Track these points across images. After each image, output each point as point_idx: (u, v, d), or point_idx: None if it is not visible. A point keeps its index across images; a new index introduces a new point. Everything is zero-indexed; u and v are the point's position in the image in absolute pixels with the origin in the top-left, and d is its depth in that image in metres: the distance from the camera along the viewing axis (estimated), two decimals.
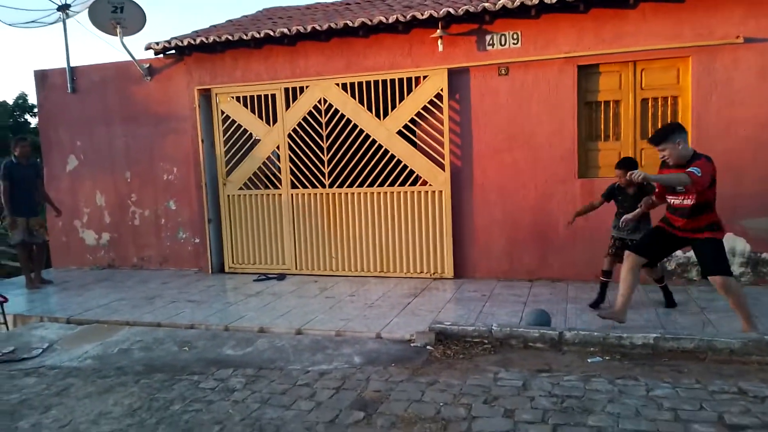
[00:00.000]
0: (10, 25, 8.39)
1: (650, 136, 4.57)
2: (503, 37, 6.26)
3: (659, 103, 6.11)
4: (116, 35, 7.54)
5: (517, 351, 4.55)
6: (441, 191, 6.64)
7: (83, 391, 4.13)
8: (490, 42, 6.29)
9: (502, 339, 4.67)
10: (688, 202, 4.35)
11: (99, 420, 3.63)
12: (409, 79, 6.67)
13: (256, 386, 4.03)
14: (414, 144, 6.81)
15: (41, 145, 8.60)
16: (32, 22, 8.39)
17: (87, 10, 7.55)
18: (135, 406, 3.80)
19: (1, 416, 3.79)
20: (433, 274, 6.79)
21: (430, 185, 6.69)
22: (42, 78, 8.43)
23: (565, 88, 6.15)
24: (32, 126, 19.92)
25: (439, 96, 6.53)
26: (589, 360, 4.26)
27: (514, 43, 6.22)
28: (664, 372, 3.98)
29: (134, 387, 4.14)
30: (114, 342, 5.11)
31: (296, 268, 7.36)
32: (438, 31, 6.19)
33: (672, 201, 4.51)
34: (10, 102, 20.57)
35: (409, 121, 6.74)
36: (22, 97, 20.81)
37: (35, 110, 19.92)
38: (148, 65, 7.80)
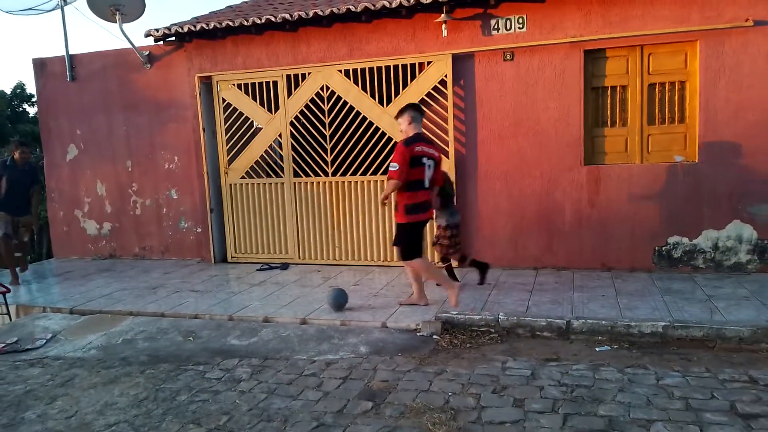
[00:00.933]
0: (7, 12, 8.31)
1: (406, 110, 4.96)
2: (508, 22, 6.16)
3: (666, 88, 6.02)
4: (115, 22, 7.43)
5: (525, 340, 4.52)
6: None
7: (88, 381, 4.11)
8: (495, 26, 6.19)
9: (509, 328, 4.64)
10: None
11: (105, 410, 3.61)
12: (412, 65, 6.58)
13: (262, 376, 4.01)
14: None
15: (41, 134, 8.53)
16: (30, 9, 8.32)
17: None
18: (141, 397, 3.78)
19: (7, 407, 3.76)
20: (438, 263, 6.73)
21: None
22: (41, 66, 8.33)
23: (572, 73, 6.06)
24: (31, 116, 19.76)
25: (443, 82, 6.44)
26: (597, 349, 4.24)
27: (519, 28, 6.12)
28: (674, 360, 3.96)
29: (140, 377, 4.11)
30: (118, 332, 5.08)
31: (299, 258, 7.32)
32: (442, 15, 6.09)
33: None
34: (8, 92, 20.38)
35: None
36: (20, 87, 20.61)
37: (34, 99, 19.77)
38: (147, 53, 7.70)
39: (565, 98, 6.11)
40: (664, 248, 6.02)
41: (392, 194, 4.96)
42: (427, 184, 4.88)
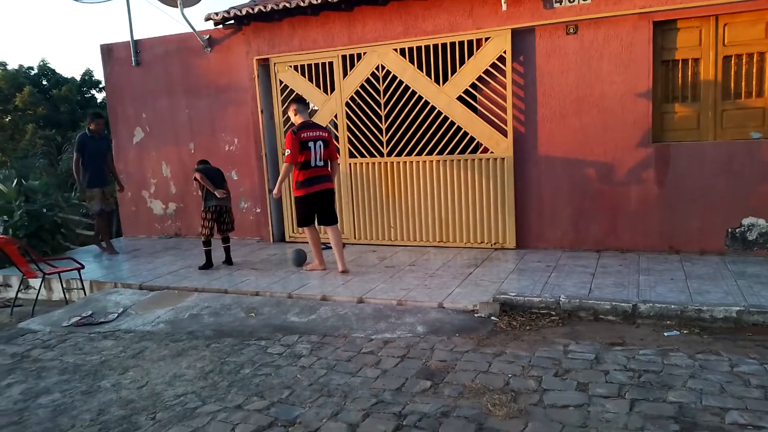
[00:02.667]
0: (76, 1, 8.62)
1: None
2: None
3: (743, 61, 5.64)
4: (177, 7, 7.61)
5: (587, 323, 4.40)
6: (503, 158, 6.43)
7: (157, 354, 4.30)
8: None
9: (570, 311, 4.52)
10: None
11: (174, 382, 3.77)
12: (470, 42, 6.43)
13: (321, 352, 4.08)
14: (475, 110, 6.60)
15: (108, 118, 8.90)
16: None
17: None
18: (207, 369, 3.92)
19: (85, 375, 3.99)
20: (494, 244, 6.64)
21: (492, 152, 6.50)
22: (108, 52, 8.66)
23: (640, 47, 5.77)
24: (99, 101, 20.69)
25: (501, 59, 6.27)
26: (665, 334, 4.07)
27: None
28: (749, 347, 3.76)
29: (205, 351, 4.27)
30: (184, 307, 5.28)
31: (355, 238, 7.37)
32: None
33: None
34: (78, 78, 21.39)
35: (470, 86, 6.53)
36: (88, 73, 21.60)
37: (101, 85, 20.70)
38: (208, 36, 7.86)
39: (633, 72, 5.82)
40: (737, 230, 5.70)
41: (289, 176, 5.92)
42: (314, 162, 5.70)
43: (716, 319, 4.15)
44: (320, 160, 5.75)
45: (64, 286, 6.33)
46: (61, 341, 4.75)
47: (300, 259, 6.36)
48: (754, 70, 5.61)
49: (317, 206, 5.89)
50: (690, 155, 5.77)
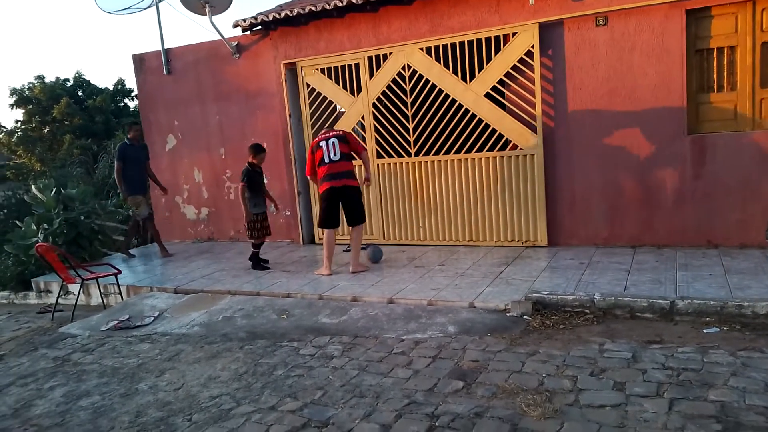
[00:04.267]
0: (109, 12, 8.85)
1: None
2: None
3: None
4: (206, 15, 7.74)
5: (623, 321, 4.30)
6: (533, 155, 6.34)
7: (193, 356, 4.37)
8: None
9: (605, 309, 4.43)
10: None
11: (209, 383, 3.83)
12: (497, 38, 6.36)
13: (353, 353, 4.09)
14: (503, 106, 6.53)
15: (142, 126, 9.10)
16: (128, 8, 8.78)
17: None
18: (241, 371, 3.97)
19: (123, 378, 4.09)
20: (525, 242, 6.55)
21: (521, 149, 6.41)
22: (140, 61, 8.87)
23: (672, 36, 5.61)
24: (131, 109, 21.21)
25: (529, 53, 6.18)
26: (704, 330, 3.95)
27: None
28: None
29: (239, 353, 4.32)
30: (218, 310, 5.36)
31: (384, 238, 7.37)
32: None
33: None
34: (111, 88, 21.96)
35: (497, 83, 6.46)
36: (121, 83, 22.15)
37: (133, 94, 21.20)
38: (236, 43, 7.98)
39: (666, 63, 5.67)
40: None
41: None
42: (327, 158, 5.86)
43: (758, 315, 4.00)
44: (335, 155, 5.85)
45: (102, 291, 6.50)
46: (100, 345, 4.88)
47: (376, 256, 6.37)
48: None
49: (339, 204, 5.96)
50: (727, 146, 5.59)
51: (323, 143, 5.90)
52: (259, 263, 6.67)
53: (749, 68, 5.53)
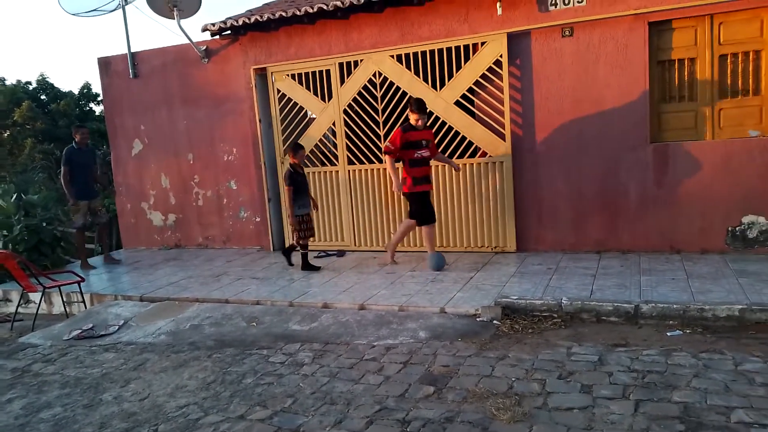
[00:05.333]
0: (73, 14, 8.65)
1: (412, 104, 5.83)
2: None
3: (740, 59, 5.65)
4: (174, 18, 7.64)
5: (590, 325, 4.38)
6: (502, 162, 6.43)
7: (159, 365, 4.28)
8: (553, 2, 5.97)
9: (572, 313, 4.51)
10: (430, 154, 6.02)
11: (176, 393, 3.75)
12: (466, 47, 6.45)
13: (323, 360, 4.06)
14: (472, 114, 6.61)
15: (107, 130, 8.92)
16: (93, 10, 8.61)
17: None
18: (209, 380, 3.90)
19: (87, 389, 3.98)
20: (495, 247, 6.63)
21: (490, 156, 6.50)
22: (105, 65, 8.68)
23: (636, 48, 5.78)
24: (97, 114, 20.76)
25: (498, 62, 6.28)
26: (668, 333, 4.06)
27: (578, 1, 5.87)
28: (752, 345, 3.74)
29: (207, 361, 4.25)
30: (185, 318, 5.26)
31: (355, 245, 7.36)
32: None
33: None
34: (76, 92, 21.48)
35: (467, 91, 6.54)
36: (87, 87, 21.69)
37: (99, 98, 20.77)
38: (205, 47, 7.89)
39: (629, 74, 5.84)
40: (737, 228, 5.69)
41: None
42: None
43: (719, 318, 4.13)
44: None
45: (65, 299, 6.31)
46: (62, 355, 4.74)
47: (440, 264, 6.04)
48: (750, 68, 5.63)
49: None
50: (688, 155, 5.78)
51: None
52: (309, 264, 6.54)
53: (708, 79, 5.73)
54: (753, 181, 5.58)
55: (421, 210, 5.98)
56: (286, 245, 7.31)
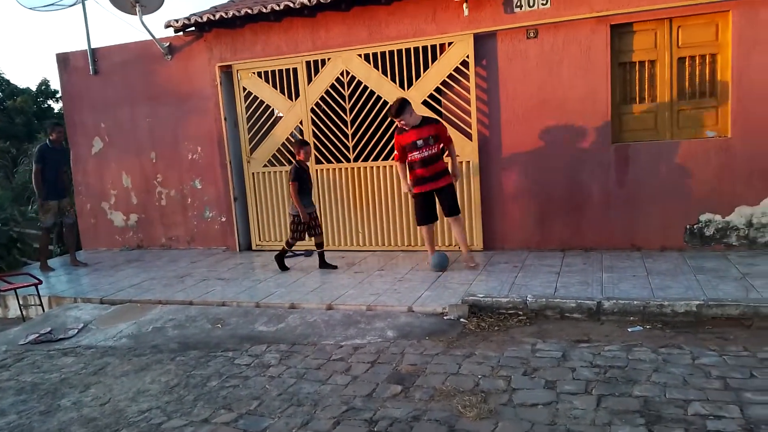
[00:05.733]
0: (30, 8, 8.36)
1: (389, 110, 5.72)
2: None
3: (697, 62, 5.83)
4: (136, 14, 7.46)
5: (554, 322, 4.45)
6: (468, 161, 6.48)
7: (120, 369, 4.17)
8: (518, 3, 6.05)
9: (537, 310, 4.57)
10: (434, 151, 5.64)
11: (137, 397, 3.66)
12: (433, 47, 6.48)
13: (290, 361, 4.02)
14: (440, 114, 6.64)
15: (66, 128, 8.64)
16: (51, 5, 8.34)
17: None
18: (172, 384, 3.82)
19: (44, 394, 3.84)
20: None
21: (457, 156, 6.51)
22: (64, 61, 8.42)
23: (598, 50, 5.90)
24: (55, 111, 20.13)
25: (465, 63, 6.33)
26: (629, 329, 4.15)
27: (543, 4, 5.97)
28: (709, 340, 3.86)
29: (170, 365, 4.16)
30: (148, 321, 5.14)
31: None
32: None
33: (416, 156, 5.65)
34: (33, 89, 20.80)
35: (435, 91, 6.57)
36: (45, 83, 21.02)
37: (58, 95, 20.15)
38: (168, 44, 7.72)
39: (592, 75, 5.95)
40: (695, 226, 5.87)
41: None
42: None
43: (677, 314, 4.25)
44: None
45: (21, 302, 6.10)
46: (18, 360, 4.57)
47: (443, 263, 5.85)
48: (707, 71, 5.81)
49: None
50: (648, 155, 5.93)
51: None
52: (283, 262, 6.40)
53: (667, 81, 5.89)
54: (710, 180, 5.76)
55: (416, 210, 5.92)
56: (253, 246, 7.22)
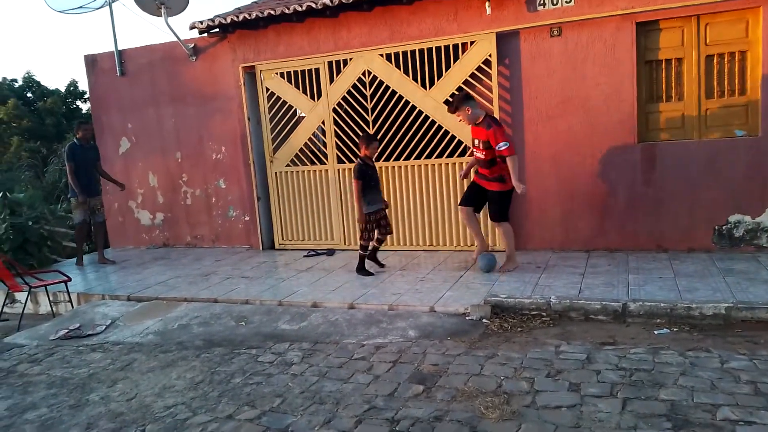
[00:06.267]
0: (59, 11, 8.55)
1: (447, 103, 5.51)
2: None
3: (726, 59, 5.71)
4: (161, 16, 7.58)
5: (578, 324, 4.40)
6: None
7: (146, 365, 4.24)
8: (541, 1, 5.99)
9: (561, 311, 4.53)
10: (482, 156, 5.50)
11: (163, 393, 3.72)
12: (455, 46, 6.46)
13: (313, 360, 4.05)
14: None
15: (94, 128, 8.82)
16: (80, 7, 8.51)
17: None
18: (197, 380, 3.88)
19: (73, 389, 3.93)
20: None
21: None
22: (92, 62, 8.60)
23: (623, 48, 5.81)
24: (84, 112, 20.56)
25: (487, 62, 6.29)
26: (655, 332, 4.09)
27: (566, 1, 5.90)
28: (738, 343, 3.78)
29: (195, 361, 4.22)
30: (173, 318, 5.23)
31: (345, 244, 7.35)
32: None
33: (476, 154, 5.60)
34: (62, 90, 21.26)
35: (456, 90, 6.54)
36: (73, 84, 21.47)
37: (86, 96, 20.58)
38: (193, 45, 7.83)
39: (617, 73, 5.87)
40: (724, 227, 5.75)
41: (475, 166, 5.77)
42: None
43: (706, 317, 4.17)
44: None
45: (51, 299, 6.25)
46: (49, 355, 4.68)
47: (491, 265, 5.67)
48: (736, 69, 5.68)
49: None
50: (675, 154, 5.82)
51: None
52: (364, 268, 5.98)
53: (695, 79, 5.78)
54: (739, 180, 5.64)
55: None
56: (276, 245, 7.27)
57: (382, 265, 6.23)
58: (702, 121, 5.84)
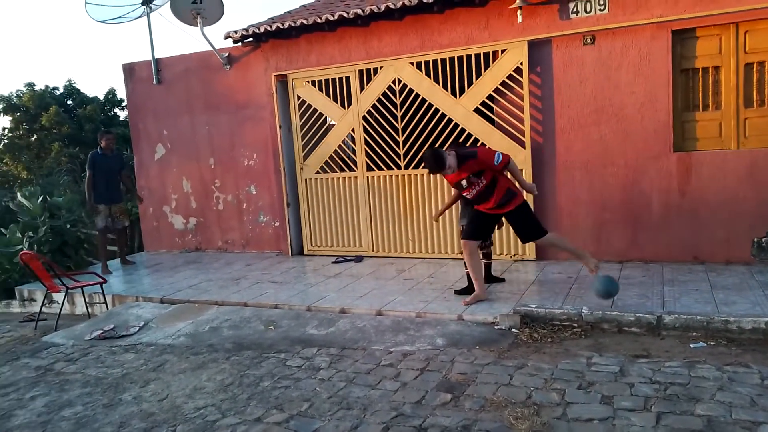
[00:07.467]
0: (99, 21, 8.83)
1: (427, 167, 5.02)
2: (588, 4, 5.89)
3: (765, 68, 5.56)
4: (197, 26, 7.75)
5: (610, 335, 4.32)
6: (521, 169, 6.36)
7: (178, 366, 4.32)
8: (574, 9, 5.94)
9: (593, 323, 4.45)
10: (482, 186, 4.90)
11: (194, 394, 3.78)
12: (486, 54, 6.44)
13: (340, 365, 4.06)
14: (492, 122, 6.59)
15: (131, 135, 9.07)
16: (119, 17, 8.78)
17: (168, 2, 7.81)
18: (227, 382, 3.93)
19: (107, 388, 4.03)
20: (514, 255, 6.58)
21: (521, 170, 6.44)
22: (129, 71, 8.85)
23: (658, 56, 5.72)
24: (121, 119, 21.09)
25: (518, 70, 6.26)
26: (691, 345, 3.98)
27: (600, 9, 5.84)
28: None
29: (225, 364, 4.28)
30: (204, 321, 5.31)
31: (373, 251, 7.37)
32: (517, 1, 5.91)
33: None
34: (101, 97, 21.86)
35: (487, 98, 6.52)
36: (112, 92, 22.04)
37: (124, 104, 21.12)
38: (227, 54, 7.99)
39: (652, 82, 5.77)
40: (764, 240, 5.57)
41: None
42: None
43: (744, 331, 4.04)
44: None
45: (87, 300, 6.42)
46: (84, 354, 4.81)
47: (611, 290, 4.49)
48: None
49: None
50: (712, 164, 5.68)
51: None
52: (491, 275, 5.60)
53: (733, 88, 5.64)
54: None
55: (469, 222, 5.24)
56: (305, 251, 7.31)
57: (502, 280, 5.69)
58: (740, 131, 5.69)
